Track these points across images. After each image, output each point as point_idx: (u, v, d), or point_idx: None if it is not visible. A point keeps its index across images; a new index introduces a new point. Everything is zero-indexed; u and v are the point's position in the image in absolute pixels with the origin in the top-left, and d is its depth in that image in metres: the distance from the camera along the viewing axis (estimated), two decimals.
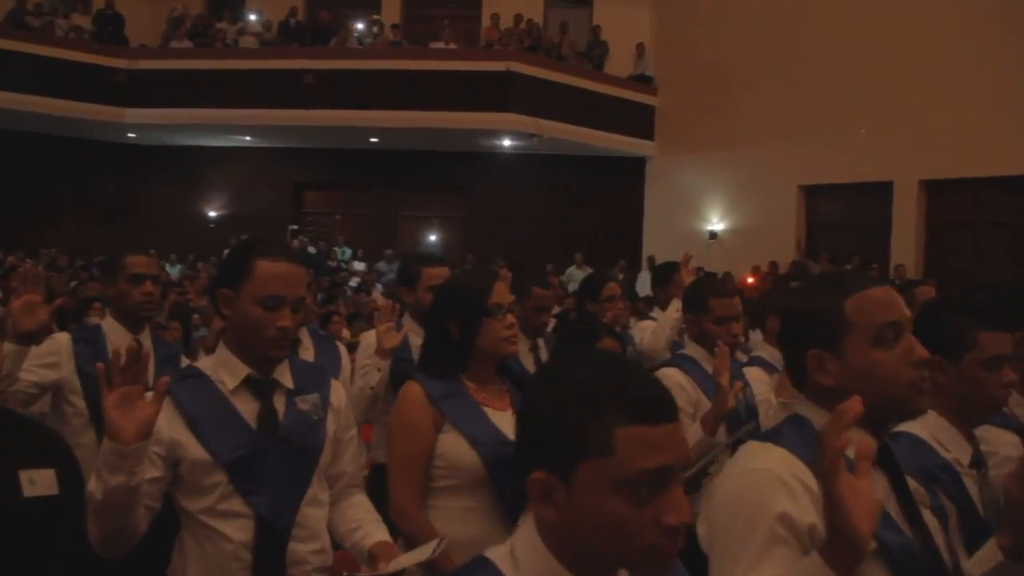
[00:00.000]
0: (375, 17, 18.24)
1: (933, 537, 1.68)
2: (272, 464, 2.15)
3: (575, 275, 16.27)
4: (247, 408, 2.18)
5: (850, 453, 1.41)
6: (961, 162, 13.76)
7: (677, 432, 1.22)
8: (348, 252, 18.04)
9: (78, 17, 17.64)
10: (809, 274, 14.96)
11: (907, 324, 1.70)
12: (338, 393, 2.36)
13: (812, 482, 1.57)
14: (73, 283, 13.32)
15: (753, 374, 3.65)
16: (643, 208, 18.10)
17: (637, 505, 1.18)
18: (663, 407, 1.22)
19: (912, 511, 1.69)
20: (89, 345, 3.23)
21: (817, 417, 1.69)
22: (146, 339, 3.35)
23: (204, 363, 2.26)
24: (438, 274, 3.76)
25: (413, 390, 2.56)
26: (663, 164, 17.69)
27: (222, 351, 2.24)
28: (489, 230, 17.83)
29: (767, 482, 1.57)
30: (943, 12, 14.00)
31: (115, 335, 3.29)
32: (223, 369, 2.21)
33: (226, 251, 17.06)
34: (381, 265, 17.28)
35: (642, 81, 17.82)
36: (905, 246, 14.84)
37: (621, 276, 16.39)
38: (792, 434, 1.68)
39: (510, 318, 2.59)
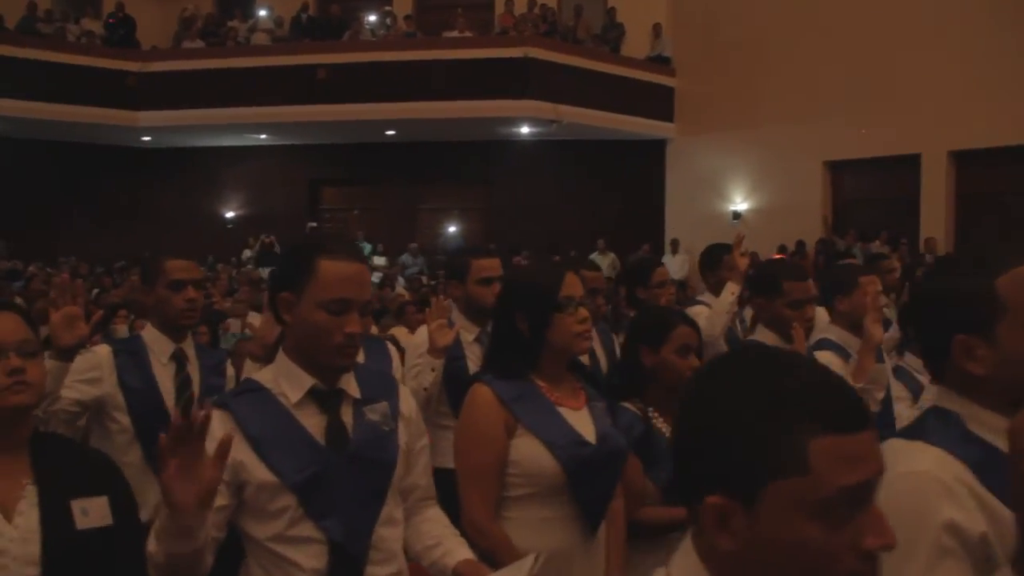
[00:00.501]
0: (387, 9, 18.04)
1: None
2: (344, 483, 1.95)
3: (599, 261, 16.09)
4: (313, 423, 1.98)
5: None
6: (990, 131, 13.44)
7: (875, 440, 1.03)
8: (368, 247, 17.84)
9: (89, 22, 17.50)
10: (837, 251, 14.71)
11: None
12: (407, 400, 2.17)
13: (976, 484, 1.39)
14: (95, 291, 13.22)
15: (825, 357, 3.41)
16: (664, 191, 17.85)
17: (833, 528, 0.99)
18: (858, 411, 1.02)
19: None
20: (131, 357, 3.05)
21: (964, 410, 1.50)
22: (189, 348, 3.17)
23: (263, 375, 2.07)
24: (489, 266, 3.57)
25: (482, 393, 2.37)
26: (683, 145, 17.42)
27: (282, 361, 2.03)
28: (510, 219, 17.60)
29: (928, 486, 1.38)
30: None
31: (157, 345, 3.11)
32: (284, 381, 2.01)
33: (245, 251, 17.13)
34: (405, 258, 17.13)
35: (660, 62, 17.55)
36: (935, 219, 14.55)
37: None
38: (941, 430, 1.49)
39: (583, 312, 2.39)
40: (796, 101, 15.51)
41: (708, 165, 16.96)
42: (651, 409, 2.76)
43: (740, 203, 16.88)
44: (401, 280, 15.25)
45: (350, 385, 2.05)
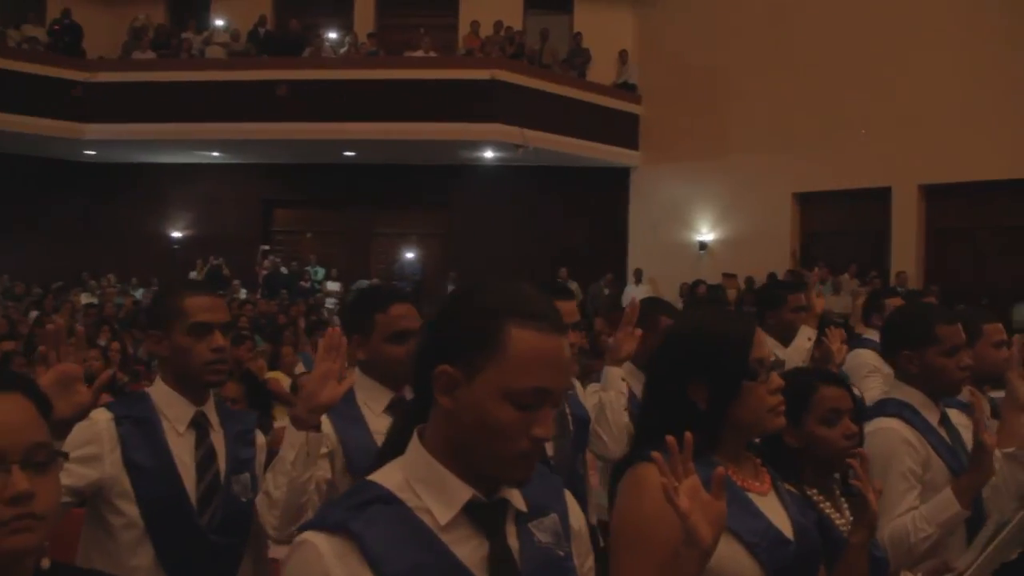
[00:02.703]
0: (347, 27, 17.48)
1: None
2: None
3: None
4: (467, 551, 1.34)
5: None
6: (961, 166, 13.36)
7: None
8: (321, 272, 17.18)
9: (31, 28, 16.59)
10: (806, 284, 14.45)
11: None
12: (575, 509, 1.55)
13: None
14: (34, 312, 12.35)
15: (955, 418, 2.88)
16: (628, 219, 17.51)
17: None
18: None
19: None
20: (138, 425, 2.27)
21: None
22: (211, 411, 2.40)
23: (388, 476, 1.39)
24: (569, 311, 2.99)
25: (655, 476, 1.79)
26: (648, 174, 17.14)
27: (422, 459, 1.38)
28: (470, 246, 17.08)
29: None
30: (938, 14, 13.59)
31: (171, 408, 2.33)
32: (427, 490, 1.36)
33: (192, 274, 16.27)
34: (361, 284, 16.45)
35: (626, 89, 17.23)
36: (906, 253, 14.41)
37: (607, 291, 15.81)
38: None
39: (776, 379, 1.84)
40: (765, 132, 15.35)
41: (673, 194, 16.70)
42: (811, 491, 2.21)
43: (706, 233, 16.64)
44: None
45: (514, 494, 1.42)
